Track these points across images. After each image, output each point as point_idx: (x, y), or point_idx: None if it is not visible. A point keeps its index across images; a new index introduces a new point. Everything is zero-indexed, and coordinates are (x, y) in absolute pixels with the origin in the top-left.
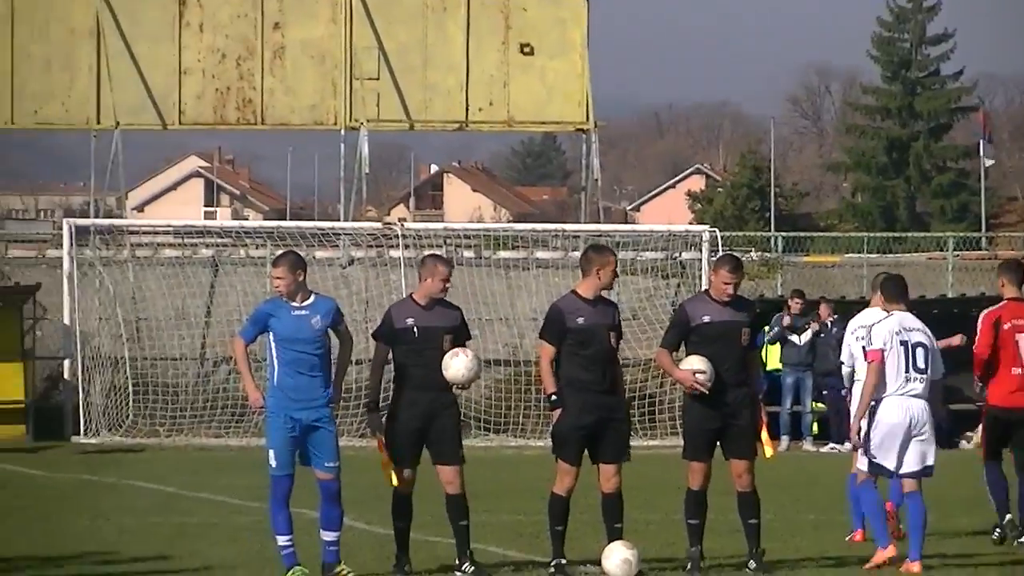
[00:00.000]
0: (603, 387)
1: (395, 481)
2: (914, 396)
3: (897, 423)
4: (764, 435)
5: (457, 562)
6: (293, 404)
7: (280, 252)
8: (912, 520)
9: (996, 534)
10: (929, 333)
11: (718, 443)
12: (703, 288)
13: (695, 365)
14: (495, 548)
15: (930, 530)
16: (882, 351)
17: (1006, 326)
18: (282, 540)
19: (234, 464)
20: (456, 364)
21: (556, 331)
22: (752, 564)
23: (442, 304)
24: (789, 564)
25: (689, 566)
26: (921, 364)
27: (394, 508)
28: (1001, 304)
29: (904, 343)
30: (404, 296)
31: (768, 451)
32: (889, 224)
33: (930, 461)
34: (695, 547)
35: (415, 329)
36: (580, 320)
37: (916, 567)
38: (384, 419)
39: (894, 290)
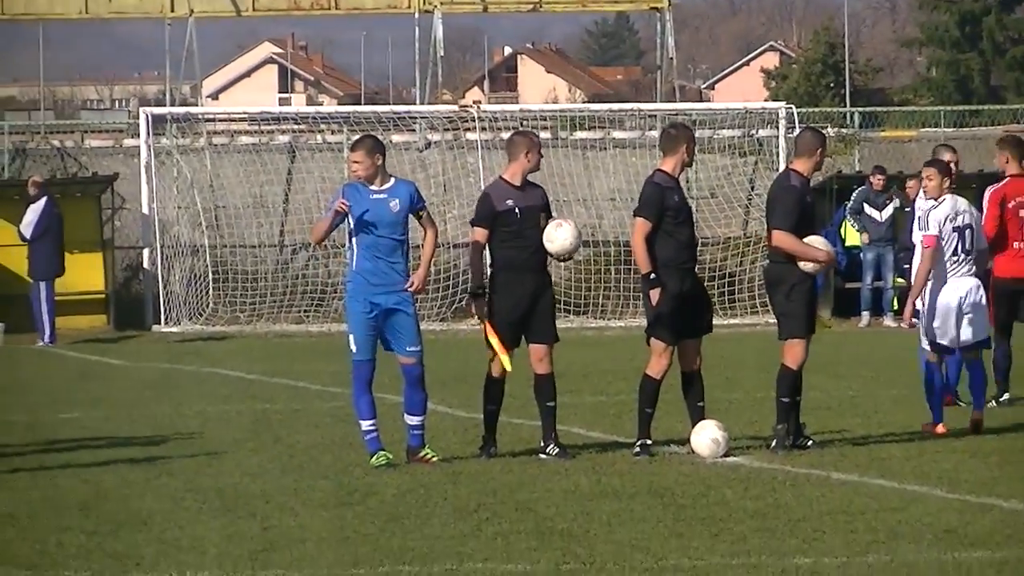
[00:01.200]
0: (694, 266)
1: (508, 365)
2: (963, 276)
3: (950, 304)
4: None
5: (542, 444)
6: (372, 288)
7: (358, 136)
8: (973, 383)
9: (994, 403)
10: (974, 211)
11: None
12: (787, 166)
13: (828, 246)
14: (578, 429)
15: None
16: (937, 237)
17: (1011, 203)
18: (365, 425)
19: (315, 350)
20: (562, 235)
21: (657, 208)
22: (809, 443)
23: (529, 183)
24: (874, 439)
25: (774, 443)
26: (968, 246)
27: (485, 391)
28: (1004, 181)
29: (957, 228)
30: (482, 178)
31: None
32: (964, 98)
33: (983, 335)
34: (783, 424)
35: (517, 210)
36: (676, 198)
37: (979, 415)
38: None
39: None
